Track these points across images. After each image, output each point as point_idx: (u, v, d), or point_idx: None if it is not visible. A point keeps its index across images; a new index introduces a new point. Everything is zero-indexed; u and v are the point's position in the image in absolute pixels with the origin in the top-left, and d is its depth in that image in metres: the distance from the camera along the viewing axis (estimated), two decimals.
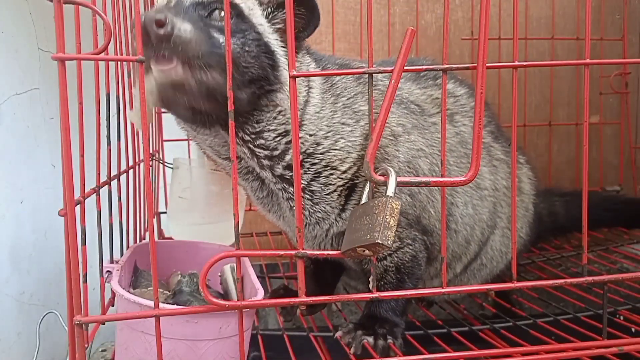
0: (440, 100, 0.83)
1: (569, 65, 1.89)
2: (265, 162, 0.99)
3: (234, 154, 0.77)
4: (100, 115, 0.99)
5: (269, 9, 0.96)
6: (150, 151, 1.46)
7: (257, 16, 0.94)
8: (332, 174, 1.00)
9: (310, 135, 0.98)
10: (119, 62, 1.12)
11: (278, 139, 0.96)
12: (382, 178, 0.77)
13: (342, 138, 1.00)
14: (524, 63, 0.88)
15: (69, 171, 0.73)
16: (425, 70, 1.13)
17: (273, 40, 0.93)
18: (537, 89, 1.89)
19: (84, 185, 0.88)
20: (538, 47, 1.86)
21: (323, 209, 1.02)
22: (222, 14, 0.87)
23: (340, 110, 1.01)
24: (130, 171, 1.20)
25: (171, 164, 1.41)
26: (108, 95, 1.02)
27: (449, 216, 1.11)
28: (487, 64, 0.76)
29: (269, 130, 0.96)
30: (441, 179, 0.80)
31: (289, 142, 0.97)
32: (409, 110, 1.09)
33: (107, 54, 0.85)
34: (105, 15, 0.77)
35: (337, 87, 1.03)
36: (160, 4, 0.89)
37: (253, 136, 0.96)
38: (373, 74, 0.79)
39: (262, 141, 0.96)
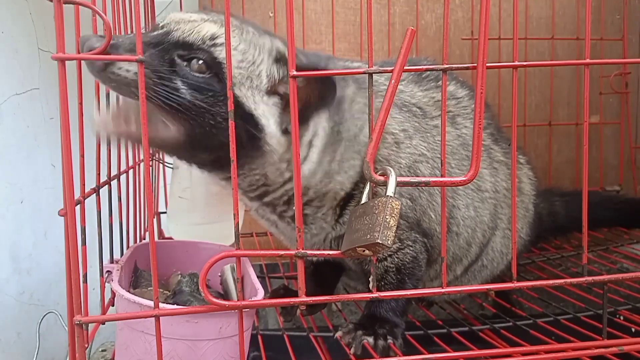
0: (442, 102, 0.83)
1: (569, 65, 1.90)
2: (243, 195, 1.00)
3: (234, 154, 0.77)
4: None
5: (274, 81, 0.90)
6: (150, 151, 1.46)
7: (248, 86, 0.88)
8: (324, 200, 1.01)
9: (303, 184, 0.97)
10: None
11: (254, 187, 0.97)
12: (382, 178, 0.77)
13: (338, 175, 0.99)
14: (524, 63, 0.88)
15: (69, 171, 0.73)
16: (425, 70, 1.13)
17: (261, 110, 0.88)
18: (537, 89, 1.89)
19: (84, 185, 0.88)
20: (538, 47, 1.86)
21: (319, 226, 1.03)
22: (201, 63, 0.84)
23: (343, 147, 0.98)
24: (130, 171, 1.20)
25: (171, 164, 1.41)
26: (108, 95, 1.02)
27: (451, 219, 1.11)
28: (487, 64, 0.76)
29: (245, 179, 0.95)
30: (441, 179, 0.79)
31: (265, 190, 0.97)
32: (411, 114, 1.09)
33: (107, 54, 0.85)
34: (105, 15, 0.77)
35: (346, 124, 0.98)
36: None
37: (223, 183, 0.97)
38: (373, 75, 0.79)
39: (258, 184, 0.97)
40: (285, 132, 0.90)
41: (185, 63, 0.85)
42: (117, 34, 1.16)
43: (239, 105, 0.86)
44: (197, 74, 0.84)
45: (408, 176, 1.02)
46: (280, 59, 0.91)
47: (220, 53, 0.85)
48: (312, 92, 0.89)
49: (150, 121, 0.78)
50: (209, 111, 0.84)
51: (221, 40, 0.86)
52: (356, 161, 0.99)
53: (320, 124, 0.95)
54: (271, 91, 0.90)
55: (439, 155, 1.06)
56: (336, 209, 1.02)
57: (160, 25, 0.88)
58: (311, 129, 0.94)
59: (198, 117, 0.84)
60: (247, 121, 0.87)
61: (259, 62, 0.90)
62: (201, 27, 0.87)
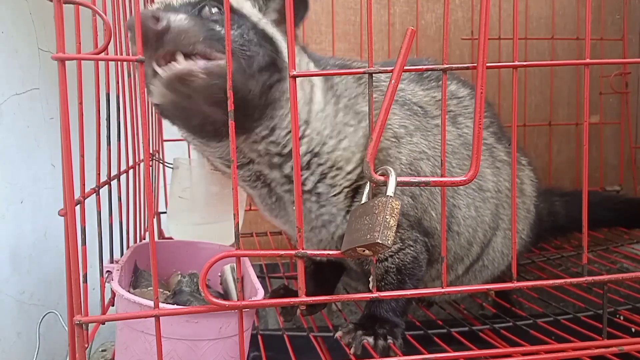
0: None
1: (569, 65, 1.89)
2: (276, 159, 0.97)
3: (233, 154, 0.77)
4: (100, 115, 0.99)
5: (260, 2, 0.95)
6: (150, 151, 1.46)
7: (248, 8, 0.93)
8: (337, 175, 1.00)
9: (317, 133, 0.98)
10: (119, 62, 1.12)
11: (289, 136, 0.95)
12: (382, 178, 0.77)
13: (345, 138, 1.00)
14: (524, 63, 0.88)
15: (69, 171, 0.73)
16: (425, 70, 1.13)
17: (269, 28, 0.92)
18: (537, 89, 1.89)
19: (84, 185, 0.88)
20: (538, 47, 1.86)
21: (329, 211, 1.02)
22: (213, 9, 0.86)
23: (342, 111, 1.01)
24: (130, 171, 1.20)
25: (171, 164, 1.41)
26: (108, 95, 1.02)
27: (452, 218, 1.11)
28: (487, 64, 0.76)
29: (281, 128, 0.95)
30: (441, 179, 0.79)
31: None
32: (411, 112, 1.09)
33: (107, 54, 0.85)
34: (105, 15, 0.77)
35: (337, 88, 1.02)
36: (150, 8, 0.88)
37: (267, 132, 0.94)
38: (374, 74, 0.79)
39: (275, 137, 0.95)
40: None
41: (203, 11, 0.87)
42: (117, 34, 1.16)
43: (256, 26, 0.90)
44: (214, 19, 0.86)
45: (409, 173, 1.02)
46: None
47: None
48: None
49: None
50: (243, 38, 0.87)
51: None
52: (358, 128, 1.00)
53: (311, 65, 1.00)
54: (261, 9, 0.95)
55: (440, 154, 1.06)
56: (347, 195, 1.01)
57: None
58: (304, 63, 0.98)
59: (240, 48, 0.85)
60: (264, 38, 0.89)
61: None
62: None
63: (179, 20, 0.81)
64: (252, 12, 0.93)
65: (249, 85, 0.86)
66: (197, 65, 0.81)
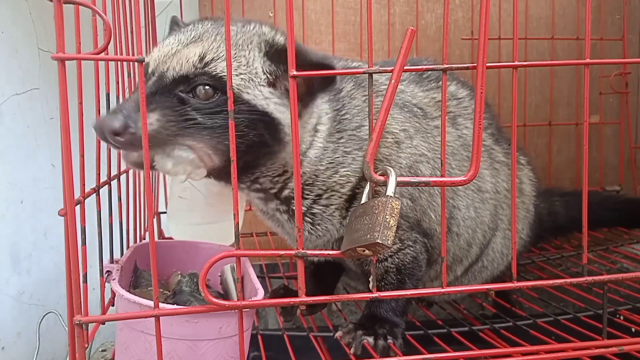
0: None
1: (569, 65, 1.90)
2: (259, 202, 1.02)
3: (233, 154, 0.77)
4: (100, 115, 0.99)
5: (275, 75, 0.90)
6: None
7: (253, 87, 0.88)
8: (332, 196, 1.01)
9: (311, 172, 0.99)
10: (119, 62, 1.12)
11: (275, 180, 0.98)
12: (382, 178, 0.77)
13: (343, 167, 1.00)
14: (524, 63, 0.88)
15: (69, 171, 0.73)
16: (425, 70, 1.13)
17: (273, 105, 0.89)
18: (537, 89, 1.89)
19: (84, 185, 0.88)
20: (538, 47, 1.86)
21: (324, 228, 1.03)
22: (207, 88, 0.85)
23: (344, 140, 1.00)
24: (130, 171, 1.20)
25: None
26: (108, 95, 1.02)
27: (451, 219, 1.11)
28: (487, 64, 0.76)
29: (265, 176, 0.97)
30: (441, 179, 0.79)
31: (285, 180, 0.98)
32: (412, 114, 1.09)
33: (107, 54, 0.85)
34: (105, 15, 0.77)
35: (346, 117, 1.01)
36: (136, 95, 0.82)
37: (249, 183, 0.98)
38: (374, 75, 0.79)
39: (258, 186, 0.99)
40: (299, 116, 0.91)
41: (191, 95, 0.85)
42: (117, 34, 1.16)
43: (253, 108, 0.87)
44: (207, 101, 0.84)
45: (408, 176, 1.02)
46: (271, 52, 0.90)
47: (215, 69, 0.86)
48: (315, 78, 0.89)
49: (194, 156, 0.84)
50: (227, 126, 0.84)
51: (210, 56, 0.86)
52: (358, 155, 1.00)
53: (323, 110, 0.98)
54: (273, 84, 0.90)
55: (440, 156, 1.06)
56: (342, 209, 1.02)
57: (151, 71, 0.88)
58: (315, 114, 0.96)
59: (227, 137, 0.83)
60: (265, 120, 0.88)
61: (252, 60, 0.89)
62: (186, 53, 0.87)
63: (144, 126, 0.75)
64: (257, 89, 0.88)
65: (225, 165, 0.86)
66: (164, 159, 0.83)
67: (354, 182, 1.00)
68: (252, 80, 0.88)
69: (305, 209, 1.01)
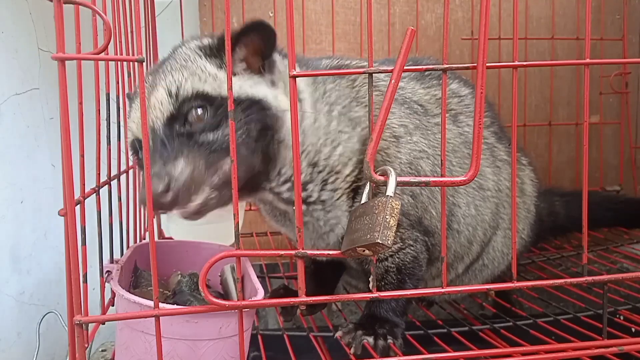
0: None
1: (569, 65, 1.90)
2: (287, 193, 1.00)
3: (233, 154, 0.77)
4: (100, 115, 0.99)
5: (223, 61, 0.92)
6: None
7: (222, 82, 0.89)
8: (337, 178, 1.01)
9: (312, 144, 0.99)
10: (119, 62, 1.12)
11: (287, 181, 0.98)
12: (382, 178, 0.77)
13: (339, 145, 1.01)
14: (524, 63, 0.88)
15: (69, 171, 0.73)
16: (425, 70, 1.13)
17: (249, 88, 0.90)
18: (537, 89, 1.89)
19: (84, 185, 0.88)
20: (538, 47, 1.86)
21: (336, 214, 1.03)
22: (198, 110, 0.86)
23: (335, 119, 1.01)
24: (130, 171, 1.21)
25: None
26: (108, 95, 1.02)
27: (452, 216, 1.11)
28: (487, 64, 0.76)
29: (285, 166, 0.97)
30: (441, 179, 0.79)
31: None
32: (411, 111, 1.09)
33: (107, 54, 0.85)
34: (105, 15, 0.77)
35: (330, 95, 1.02)
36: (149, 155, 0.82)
37: (275, 181, 0.98)
38: (373, 74, 0.79)
39: (285, 177, 0.98)
40: (273, 84, 0.93)
41: (189, 126, 0.86)
42: (117, 34, 1.16)
43: (250, 103, 0.89)
44: (203, 123, 0.86)
45: (408, 172, 1.03)
46: (207, 51, 0.92)
47: (187, 90, 0.87)
48: (254, 43, 0.91)
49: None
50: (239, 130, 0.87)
51: (172, 86, 0.87)
52: (352, 134, 1.01)
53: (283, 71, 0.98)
54: (234, 73, 0.91)
55: (440, 153, 1.06)
56: (348, 196, 1.02)
57: (150, 132, 0.88)
58: (283, 75, 0.96)
59: (243, 148, 0.87)
60: (248, 105, 0.89)
61: (203, 67, 0.90)
62: (156, 100, 0.87)
63: (180, 179, 0.82)
64: (224, 83, 0.89)
65: (251, 162, 0.90)
66: (207, 196, 0.85)
67: (354, 162, 1.01)
68: (216, 79, 0.89)
69: (316, 196, 1.01)
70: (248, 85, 0.91)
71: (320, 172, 1.01)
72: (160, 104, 0.87)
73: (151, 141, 0.86)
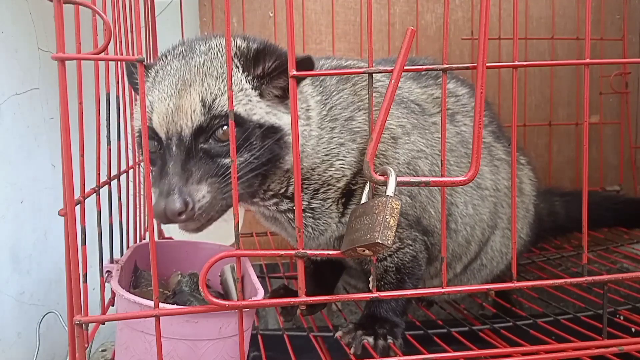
0: (441, 100, 0.83)
1: (569, 65, 1.89)
2: (273, 207, 1.01)
3: (233, 154, 0.77)
4: (100, 115, 0.99)
5: (259, 84, 0.92)
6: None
7: (253, 107, 0.89)
8: (329, 189, 1.01)
9: (309, 164, 0.99)
10: (119, 62, 1.12)
11: (281, 180, 0.98)
12: (382, 178, 0.77)
13: (338, 160, 1.00)
14: (524, 63, 0.88)
15: (69, 171, 0.73)
16: (425, 70, 1.13)
17: (273, 117, 0.90)
18: (537, 89, 1.89)
19: (84, 185, 0.88)
20: (538, 47, 1.86)
21: (325, 222, 1.03)
22: (225, 129, 0.86)
23: (337, 135, 1.01)
24: (130, 171, 1.21)
25: None
26: (108, 95, 1.02)
27: (449, 216, 1.11)
28: (487, 64, 0.76)
29: (274, 181, 0.97)
30: (441, 179, 0.79)
31: (290, 178, 0.98)
32: (409, 110, 1.09)
33: (107, 54, 0.85)
34: (105, 15, 0.77)
35: (335, 106, 1.02)
36: (164, 170, 0.85)
37: (262, 193, 0.98)
38: (373, 74, 0.79)
39: (271, 192, 0.99)
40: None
41: (211, 141, 0.87)
42: (117, 34, 1.16)
43: (262, 126, 0.89)
44: (227, 146, 0.85)
45: (407, 172, 1.02)
46: (247, 64, 0.91)
47: (223, 107, 0.86)
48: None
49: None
50: (250, 154, 0.87)
51: (208, 96, 0.87)
52: (352, 147, 1.00)
53: (308, 92, 0.99)
54: (262, 94, 0.91)
55: (438, 152, 1.06)
56: (339, 203, 1.02)
57: (165, 135, 0.87)
58: (301, 97, 0.97)
59: (248, 165, 0.88)
60: (270, 132, 0.89)
61: (238, 80, 0.90)
62: (186, 104, 0.86)
63: (200, 203, 0.83)
64: (256, 107, 0.90)
65: (250, 182, 0.90)
66: (211, 218, 0.87)
67: (349, 176, 1.00)
68: (250, 101, 0.89)
69: (305, 204, 1.01)
70: (273, 114, 0.91)
71: (312, 184, 1.01)
72: (192, 111, 0.86)
73: (174, 145, 0.86)
